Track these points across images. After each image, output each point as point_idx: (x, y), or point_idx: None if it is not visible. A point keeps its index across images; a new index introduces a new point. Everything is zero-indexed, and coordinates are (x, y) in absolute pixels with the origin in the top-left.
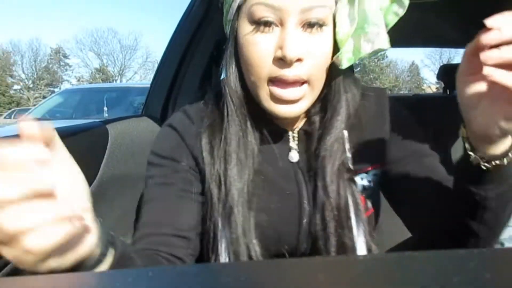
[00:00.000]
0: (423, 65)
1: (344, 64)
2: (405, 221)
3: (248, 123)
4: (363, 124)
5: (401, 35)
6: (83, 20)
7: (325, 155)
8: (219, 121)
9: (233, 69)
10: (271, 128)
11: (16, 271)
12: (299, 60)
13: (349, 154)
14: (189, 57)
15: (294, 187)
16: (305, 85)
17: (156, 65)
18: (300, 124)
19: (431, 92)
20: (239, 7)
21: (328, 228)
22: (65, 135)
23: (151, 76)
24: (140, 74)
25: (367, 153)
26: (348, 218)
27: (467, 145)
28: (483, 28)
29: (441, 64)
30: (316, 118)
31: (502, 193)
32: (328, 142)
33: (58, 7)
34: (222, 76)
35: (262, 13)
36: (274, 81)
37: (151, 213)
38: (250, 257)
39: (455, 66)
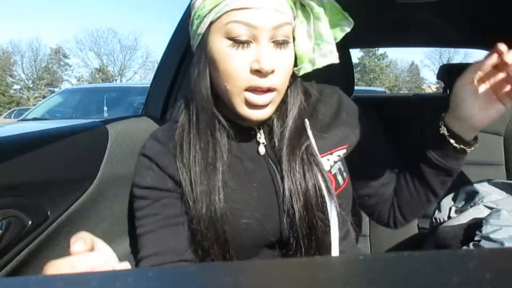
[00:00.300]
0: (423, 65)
1: (301, 73)
2: (359, 189)
3: (217, 126)
4: (324, 116)
5: (401, 35)
6: (83, 20)
7: (285, 144)
8: (188, 131)
9: (204, 79)
10: (239, 128)
11: (16, 271)
12: (272, 71)
13: (312, 140)
14: (189, 57)
15: (268, 178)
16: (274, 92)
17: (156, 65)
18: (264, 121)
19: (431, 92)
20: (211, 23)
21: (303, 209)
22: (65, 135)
23: (151, 76)
24: (140, 74)
25: (330, 138)
26: (321, 196)
27: (447, 132)
28: (484, 27)
29: (441, 64)
30: (276, 115)
31: (454, 169)
32: (286, 133)
33: (58, 7)
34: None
35: (239, 31)
36: (249, 89)
37: (149, 247)
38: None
39: (455, 66)
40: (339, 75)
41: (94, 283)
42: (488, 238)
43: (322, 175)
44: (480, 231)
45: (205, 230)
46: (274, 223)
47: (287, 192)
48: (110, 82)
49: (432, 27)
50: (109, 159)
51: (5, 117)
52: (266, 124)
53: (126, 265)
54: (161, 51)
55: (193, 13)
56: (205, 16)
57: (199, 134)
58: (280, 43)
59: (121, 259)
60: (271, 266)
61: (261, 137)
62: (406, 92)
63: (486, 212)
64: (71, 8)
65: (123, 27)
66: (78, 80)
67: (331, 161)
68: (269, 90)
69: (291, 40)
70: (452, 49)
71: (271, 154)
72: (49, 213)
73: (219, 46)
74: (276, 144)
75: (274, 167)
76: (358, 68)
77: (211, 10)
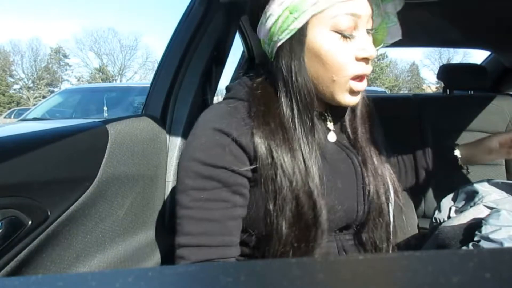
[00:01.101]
0: (422, 65)
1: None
2: None
3: (315, 120)
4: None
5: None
6: (83, 20)
7: (359, 129)
8: (280, 120)
9: (306, 73)
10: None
11: (16, 271)
12: None
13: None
14: (189, 57)
15: (348, 163)
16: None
17: (156, 65)
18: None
19: (431, 92)
20: (312, 16)
21: (378, 195)
22: (65, 135)
23: (151, 76)
24: (140, 74)
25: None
26: (388, 185)
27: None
28: (484, 27)
29: (441, 64)
30: None
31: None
32: (358, 116)
33: (58, 6)
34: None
35: (346, 23)
36: (355, 78)
37: (214, 236)
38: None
39: (455, 66)
40: None
41: (94, 283)
42: (487, 239)
43: (389, 166)
44: (480, 231)
45: (299, 206)
46: (352, 203)
47: (367, 176)
48: (110, 82)
49: (432, 27)
50: (109, 159)
51: (5, 117)
52: (333, 110)
53: None
54: (161, 51)
55: (281, 7)
56: (305, 10)
57: (303, 128)
58: (370, 30)
59: (121, 259)
60: (271, 266)
61: (330, 123)
62: (406, 92)
63: (486, 212)
64: (71, 7)
65: (123, 27)
66: (78, 80)
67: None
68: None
69: None
70: (452, 49)
71: (342, 141)
72: (49, 213)
73: (326, 39)
74: (349, 130)
75: (350, 151)
76: None
77: (315, 3)
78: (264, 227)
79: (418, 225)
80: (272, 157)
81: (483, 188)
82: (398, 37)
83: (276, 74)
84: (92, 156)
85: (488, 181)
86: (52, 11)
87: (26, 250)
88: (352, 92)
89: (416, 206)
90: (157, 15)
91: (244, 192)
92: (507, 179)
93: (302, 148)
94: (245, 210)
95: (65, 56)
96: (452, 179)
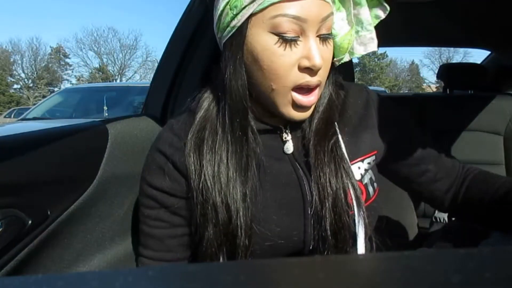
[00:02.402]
0: (422, 65)
1: (338, 64)
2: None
3: (249, 127)
4: (352, 119)
5: (401, 34)
6: (83, 19)
7: (315, 138)
8: (214, 131)
9: (241, 77)
10: (265, 126)
11: (16, 271)
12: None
13: (342, 144)
14: (189, 56)
15: (294, 178)
16: (317, 88)
17: (156, 65)
18: None
19: (431, 91)
20: (251, 15)
21: (330, 216)
22: (65, 134)
23: (151, 76)
24: (140, 74)
25: (360, 144)
26: (348, 204)
27: None
28: (484, 27)
29: (441, 64)
30: None
31: None
32: (315, 126)
33: (58, 6)
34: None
35: (288, 26)
36: (297, 88)
37: (154, 250)
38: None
39: (455, 66)
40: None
41: (94, 282)
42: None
43: (352, 182)
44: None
45: (227, 234)
46: (298, 231)
47: (315, 197)
48: (110, 81)
49: (432, 27)
50: (109, 159)
51: (5, 117)
52: (290, 121)
53: None
54: (161, 50)
55: (223, 2)
56: (244, 7)
57: (231, 136)
58: (324, 36)
59: (121, 259)
60: (271, 266)
61: (287, 135)
62: (406, 91)
63: None
64: (71, 7)
65: (123, 27)
66: (78, 80)
67: (362, 170)
68: (316, 86)
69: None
70: (452, 49)
71: (298, 153)
72: (49, 212)
73: (264, 42)
74: (306, 142)
75: (300, 167)
76: (358, 68)
77: (252, 1)
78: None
79: (418, 225)
80: (200, 166)
81: None
82: (373, 48)
83: (217, 74)
84: (92, 155)
85: None
86: (52, 10)
87: (26, 250)
88: (296, 106)
89: (416, 206)
90: (157, 14)
91: (183, 213)
92: None
93: (228, 158)
94: (190, 229)
95: (65, 56)
96: None
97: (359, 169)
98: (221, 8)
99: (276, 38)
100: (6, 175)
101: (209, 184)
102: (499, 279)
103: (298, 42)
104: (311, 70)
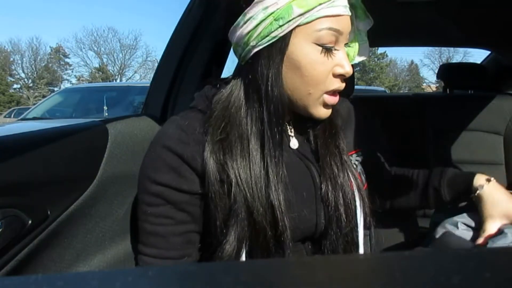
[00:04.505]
0: (422, 65)
1: None
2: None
3: (285, 134)
4: (342, 116)
5: (401, 34)
6: (83, 19)
7: (322, 132)
8: (241, 132)
9: (281, 82)
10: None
11: (16, 271)
12: None
13: (342, 137)
14: (189, 56)
15: (304, 169)
16: None
17: (156, 65)
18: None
19: (431, 91)
20: (296, 26)
21: (339, 205)
22: (65, 134)
23: (151, 75)
24: (140, 73)
25: (349, 140)
26: (352, 192)
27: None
28: (484, 27)
29: (441, 63)
30: None
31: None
32: (320, 127)
33: (58, 6)
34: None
35: (330, 38)
36: (329, 92)
37: (157, 249)
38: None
39: (455, 65)
40: None
41: (94, 282)
42: None
43: (352, 172)
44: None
45: (256, 223)
46: (310, 216)
47: (324, 187)
48: (110, 81)
49: (432, 27)
50: (109, 159)
51: (5, 117)
52: (294, 118)
53: None
54: (161, 50)
55: (264, 12)
56: (292, 19)
57: (269, 142)
58: (347, 46)
59: (121, 259)
60: (271, 266)
61: (292, 131)
62: (406, 91)
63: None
64: (71, 7)
65: (123, 27)
66: (78, 80)
67: (354, 161)
68: None
69: None
70: (452, 49)
71: (303, 147)
72: (48, 212)
73: (307, 51)
74: (311, 138)
75: (308, 159)
76: (358, 68)
77: (302, 14)
78: (216, 239)
79: (418, 225)
80: (226, 173)
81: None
82: (366, 55)
83: (247, 81)
84: (92, 155)
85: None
86: (52, 10)
87: (26, 250)
88: (326, 105)
89: None
90: (157, 14)
91: (189, 209)
92: (507, 179)
93: (268, 163)
94: (195, 225)
95: (65, 56)
96: None
97: (352, 160)
98: (260, 18)
99: (319, 48)
100: (6, 175)
101: (243, 189)
102: (499, 279)
103: (334, 52)
104: (343, 76)
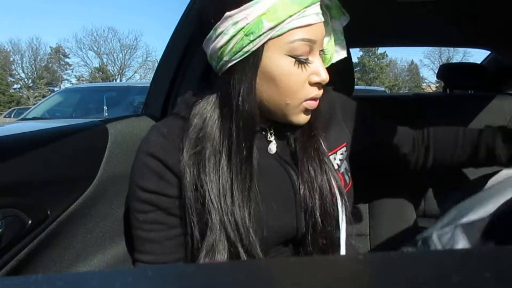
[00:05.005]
0: (422, 65)
1: None
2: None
3: (254, 149)
4: (322, 116)
5: (401, 34)
6: (83, 19)
7: (301, 137)
8: (218, 140)
9: (253, 96)
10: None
11: (16, 271)
12: None
13: (322, 139)
14: (188, 56)
15: (284, 176)
16: None
17: (156, 65)
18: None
19: (431, 91)
20: (267, 40)
21: (318, 207)
22: (65, 134)
23: (151, 75)
24: (140, 73)
25: (330, 138)
26: (332, 194)
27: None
28: (484, 27)
29: (441, 63)
30: None
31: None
32: (298, 130)
33: (58, 6)
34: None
35: (303, 48)
36: (308, 99)
37: (154, 255)
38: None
39: (455, 65)
40: (339, 74)
41: (94, 282)
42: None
43: (333, 174)
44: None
45: (231, 232)
46: (291, 221)
47: (302, 191)
48: (110, 81)
49: (432, 27)
50: (109, 159)
51: (5, 117)
52: (274, 123)
53: None
54: (161, 50)
55: (234, 28)
56: (262, 33)
57: (236, 157)
58: (322, 52)
59: (121, 259)
60: (271, 266)
61: (271, 136)
62: (406, 91)
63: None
64: (71, 7)
65: (123, 27)
66: (78, 80)
67: (337, 160)
68: None
69: None
70: (451, 49)
71: (283, 152)
72: (48, 212)
73: (281, 64)
74: (291, 141)
75: (287, 164)
76: (358, 68)
77: (272, 27)
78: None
79: (418, 225)
80: (201, 185)
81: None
82: (344, 54)
83: (221, 94)
84: (92, 155)
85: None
86: (52, 10)
87: (26, 250)
88: (306, 111)
89: (416, 206)
90: (157, 14)
91: (178, 213)
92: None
93: (233, 178)
94: (186, 228)
95: (65, 56)
96: (452, 178)
97: (335, 160)
98: (231, 33)
99: (293, 60)
100: (6, 175)
101: (215, 203)
102: (499, 279)
103: (308, 61)
104: (319, 84)
